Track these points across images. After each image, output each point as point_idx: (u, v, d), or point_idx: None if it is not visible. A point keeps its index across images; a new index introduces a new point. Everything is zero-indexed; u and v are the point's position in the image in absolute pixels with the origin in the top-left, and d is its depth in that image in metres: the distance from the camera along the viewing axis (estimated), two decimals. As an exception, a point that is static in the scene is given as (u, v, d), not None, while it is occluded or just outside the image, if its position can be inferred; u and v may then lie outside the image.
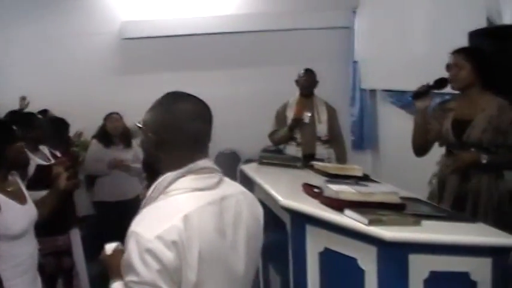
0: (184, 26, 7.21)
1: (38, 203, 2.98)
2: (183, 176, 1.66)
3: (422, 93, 3.45)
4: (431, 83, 3.43)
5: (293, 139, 5.29)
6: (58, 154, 4.29)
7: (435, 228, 2.40)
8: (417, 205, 2.77)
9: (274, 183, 3.30)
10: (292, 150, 5.25)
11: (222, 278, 1.64)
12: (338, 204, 2.55)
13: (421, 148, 3.59)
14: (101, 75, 7.11)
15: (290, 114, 5.31)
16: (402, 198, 2.67)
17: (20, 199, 2.81)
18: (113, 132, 5.51)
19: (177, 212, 1.56)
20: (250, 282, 1.80)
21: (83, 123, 5.94)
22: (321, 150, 5.23)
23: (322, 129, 5.27)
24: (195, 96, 1.76)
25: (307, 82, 5.37)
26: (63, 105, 5.61)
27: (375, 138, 7.12)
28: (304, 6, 7.38)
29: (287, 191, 3.10)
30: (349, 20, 7.25)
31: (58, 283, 4.19)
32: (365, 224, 2.32)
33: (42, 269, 3.04)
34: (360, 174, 3.53)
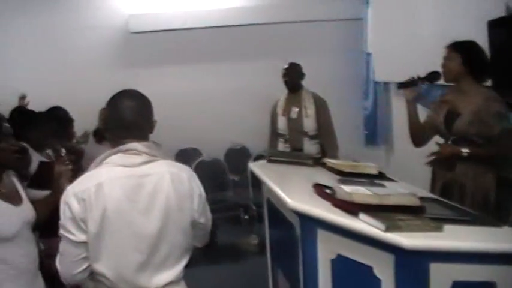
0: (192, 19, 7.05)
1: (38, 204, 2.84)
2: (114, 153, 2.14)
3: (410, 83, 3.60)
4: (422, 75, 3.57)
5: (281, 135, 5.20)
6: (63, 151, 4.16)
7: (458, 233, 2.20)
8: (437, 207, 2.57)
9: (283, 182, 3.12)
10: (281, 146, 5.19)
11: (126, 235, 2.06)
12: (352, 208, 2.34)
13: (417, 138, 3.69)
14: (108, 70, 6.96)
15: (280, 111, 5.25)
16: (421, 198, 2.47)
17: (14, 200, 2.66)
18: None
19: (95, 179, 2.07)
20: (173, 244, 2.15)
21: (90, 119, 5.77)
22: (308, 146, 5.08)
23: (309, 123, 5.11)
24: (133, 93, 2.25)
25: (291, 77, 5.23)
26: (68, 101, 5.44)
27: (389, 132, 6.91)
28: (314, -3, 7.18)
29: (296, 191, 2.88)
30: (361, 11, 7.03)
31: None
32: (382, 230, 2.11)
33: (47, 270, 2.87)
34: (375, 172, 3.35)
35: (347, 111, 6.84)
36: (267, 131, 5.58)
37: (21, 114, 4.38)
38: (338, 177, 3.24)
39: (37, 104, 5.01)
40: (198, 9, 7.06)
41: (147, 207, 2.09)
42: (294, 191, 2.87)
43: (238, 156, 7.01)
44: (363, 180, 3.10)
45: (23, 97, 5.81)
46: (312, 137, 5.08)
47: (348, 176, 3.24)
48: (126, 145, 2.12)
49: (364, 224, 2.23)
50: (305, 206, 2.57)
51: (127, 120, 2.14)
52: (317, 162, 3.72)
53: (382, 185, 2.90)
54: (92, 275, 2.15)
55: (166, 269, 2.15)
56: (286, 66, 5.25)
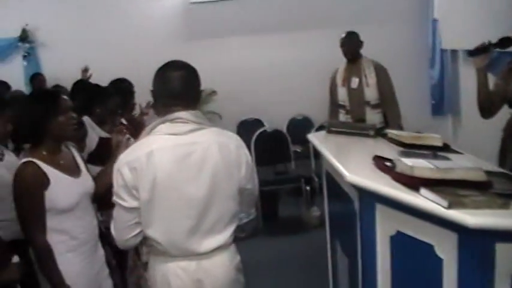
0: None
1: (97, 175, 2.92)
2: (162, 123, 2.22)
3: (481, 50, 3.32)
4: (494, 41, 3.27)
5: (341, 106, 5.09)
6: (124, 122, 4.19)
7: (527, 211, 2.04)
8: (505, 182, 2.39)
9: (342, 155, 3.02)
10: (342, 117, 5.10)
11: (176, 201, 2.17)
12: (412, 182, 2.21)
13: (486, 109, 3.47)
14: (169, 42, 6.99)
15: (339, 82, 5.16)
16: (487, 173, 2.30)
17: (73, 172, 2.73)
18: None
19: (146, 147, 2.17)
20: (221, 211, 2.25)
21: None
22: (371, 115, 4.98)
23: (371, 93, 5.00)
24: (180, 63, 2.30)
25: (349, 46, 5.11)
26: (130, 72, 5.47)
27: (457, 102, 6.63)
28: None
29: (355, 164, 2.77)
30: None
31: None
32: (444, 207, 1.98)
33: (109, 240, 2.97)
34: (439, 144, 3.17)
35: (413, 80, 6.64)
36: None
37: (85, 89, 4.43)
38: (400, 149, 3.11)
39: (99, 76, 5.07)
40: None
41: (195, 174, 2.18)
42: (352, 164, 2.76)
43: (301, 127, 6.91)
44: (426, 152, 2.96)
45: (85, 70, 5.88)
46: (374, 106, 4.97)
47: (411, 148, 3.10)
48: (173, 114, 2.20)
49: (425, 200, 2.10)
50: (364, 179, 2.45)
51: (174, 89, 2.22)
52: (379, 133, 3.59)
53: (447, 158, 2.76)
54: (145, 240, 2.28)
55: (215, 233, 2.24)
56: (343, 35, 5.13)
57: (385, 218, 2.39)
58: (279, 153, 6.52)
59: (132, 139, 2.99)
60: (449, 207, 1.97)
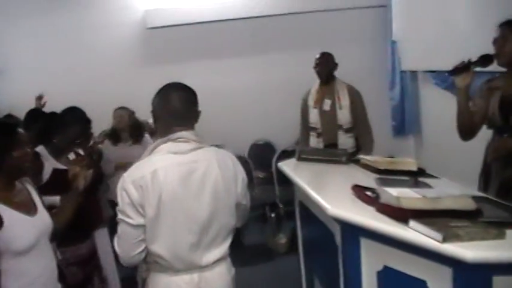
0: (210, 12, 6.77)
1: (55, 212, 2.75)
2: (164, 142, 2.30)
3: (462, 69, 3.10)
4: (474, 59, 3.07)
5: (313, 129, 4.97)
6: (81, 153, 4.02)
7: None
8: (491, 208, 2.31)
9: (318, 185, 2.91)
10: (313, 141, 4.96)
11: (180, 217, 2.23)
12: (400, 214, 2.10)
13: (466, 131, 3.24)
14: (125, 68, 6.78)
15: (311, 103, 5.01)
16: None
17: (29, 210, 2.54)
18: (119, 128, 5.28)
19: (150, 166, 2.24)
20: (221, 225, 2.33)
21: (107, 119, 5.60)
22: (343, 139, 4.84)
23: (343, 116, 4.87)
24: (180, 85, 2.40)
25: (323, 67, 4.97)
26: (85, 101, 5.27)
27: (417, 122, 6.63)
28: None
29: (335, 195, 2.66)
30: (386, -3, 6.73)
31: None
32: (438, 241, 1.88)
33: (65, 280, 2.85)
34: (414, 168, 3.13)
35: (373, 102, 6.54)
36: (291, 125, 5.36)
37: (40, 118, 4.22)
38: (375, 175, 3.02)
39: (54, 103, 4.85)
40: (217, 2, 6.80)
41: (198, 191, 2.27)
42: (331, 195, 2.66)
43: (263, 152, 6.81)
44: (403, 178, 2.89)
45: (39, 97, 5.63)
46: (346, 130, 4.86)
47: (386, 174, 3.02)
48: (176, 134, 2.29)
49: (416, 233, 1.99)
50: (347, 212, 2.34)
51: (177, 110, 2.31)
52: (350, 159, 3.50)
53: (427, 185, 2.68)
54: (145, 257, 2.34)
55: (215, 247, 2.34)
56: (318, 56, 5.01)
57: (371, 252, 2.28)
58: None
59: (90, 171, 3.00)
60: (444, 240, 1.87)
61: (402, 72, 6.62)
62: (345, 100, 4.86)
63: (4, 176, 2.47)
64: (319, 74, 4.99)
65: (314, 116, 4.97)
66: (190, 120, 2.37)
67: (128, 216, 2.23)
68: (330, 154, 3.61)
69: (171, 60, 6.82)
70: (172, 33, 6.81)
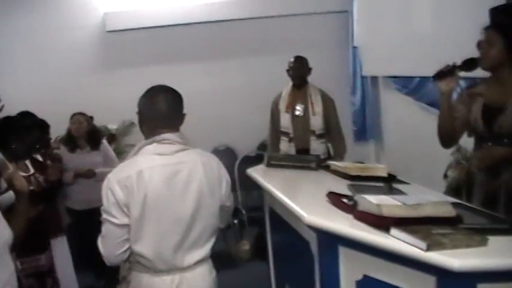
0: (171, 16, 6.67)
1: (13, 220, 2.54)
2: (149, 144, 2.32)
3: (447, 73, 2.96)
4: (458, 63, 2.94)
5: (284, 134, 4.92)
6: (39, 159, 3.98)
7: (503, 247, 1.92)
8: (468, 214, 2.29)
9: (290, 192, 2.84)
10: (285, 145, 4.91)
11: (164, 218, 2.25)
12: (381, 222, 2.05)
13: (448, 137, 3.11)
14: (83, 72, 6.60)
15: (283, 107, 4.95)
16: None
17: None
18: (76, 135, 5.08)
19: (135, 166, 2.26)
20: (204, 226, 2.35)
21: (65, 125, 5.43)
22: (315, 145, 4.83)
23: (316, 122, 4.85)
24: (167, 88, 2.42)
25: (298, 71, 4.94)
26: (43, 105, 5.11)
27: (378, 128, 6.70)
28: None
29: (309, 202, 2.59)
30: (347, 3, 6.74)
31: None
32: (422, 250, 1.83)
33: None
34: (384, 174, 3.12)
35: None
36: (253, 131, 5.27)
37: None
38: (346, 181, 2.98)
39: (7, 108, 4.69)
40: (178, 5, 6.71)
41: (182, 192, 2.29)
42: (306, 202, 2.59)
43: (224, 158, 6.66)
44: (375, 184, 2.85)
45: (-5, 102, 5.42)
46: (319, 136, 4.83)
47: (357, 180, 2.99)
48: (161, 135, 2.31)
49: (397, 241, 1.94)
50: (324, 220, 2.28)
51: (163, 112, 2.33)
52: (320, 165, 3.45)
53: (401, 191, 2.65)
54: (128, 256, 2.34)
55: (197, 248, 2.35)
56: (292, 59, 4.96)
57: (350, 261, 2.23)
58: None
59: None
60: (428, 249, 1.82)
61: (363, 77, 6.67)
62: (318, 106, 4.83)
63: None
64: (292, 78, 4.95)
65: (285, 121, 4.93)
66: (176, 122, 2.39)
67: (113, 216, 2.24)
68: (300, 160, 3.56)
69: (130, 64, 6.70)
70: (132, 37, 6.70)
